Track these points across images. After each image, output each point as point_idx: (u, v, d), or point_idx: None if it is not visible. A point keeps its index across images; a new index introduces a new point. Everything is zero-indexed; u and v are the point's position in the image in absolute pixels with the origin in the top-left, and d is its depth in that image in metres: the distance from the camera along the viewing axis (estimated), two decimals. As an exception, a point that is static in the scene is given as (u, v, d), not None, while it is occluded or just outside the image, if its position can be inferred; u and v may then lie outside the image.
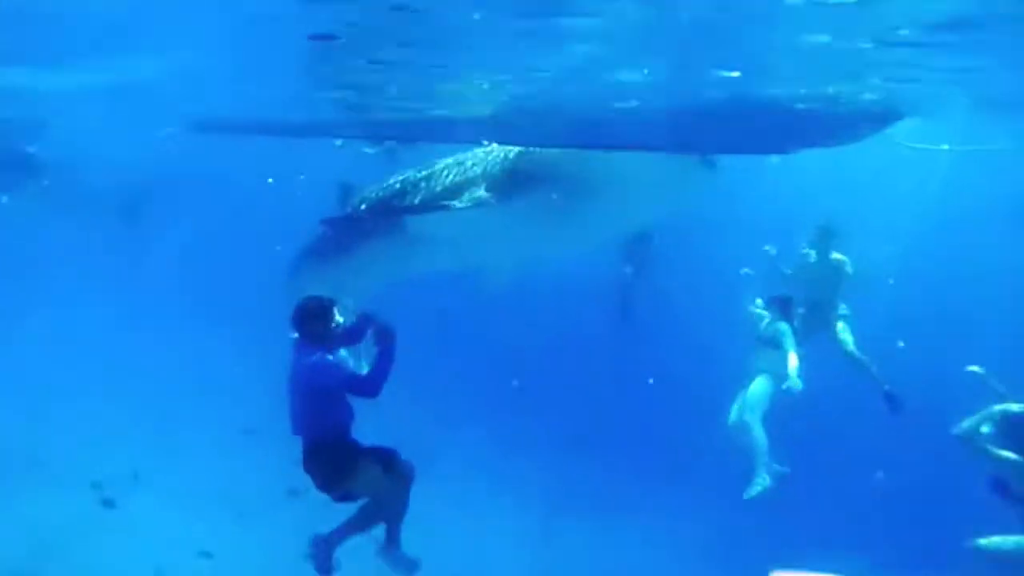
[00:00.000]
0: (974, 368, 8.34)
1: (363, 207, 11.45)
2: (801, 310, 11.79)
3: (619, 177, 9.71)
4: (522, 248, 10.78)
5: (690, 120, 10.11)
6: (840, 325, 11.87)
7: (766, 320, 11.61)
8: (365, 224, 11.13)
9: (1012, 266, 15.66)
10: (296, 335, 7.12)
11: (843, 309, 11.98)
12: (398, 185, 11.27)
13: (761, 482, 10.76)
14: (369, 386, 6.81)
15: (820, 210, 12.47)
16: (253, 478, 12.67)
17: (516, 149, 10.37)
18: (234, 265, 17.40)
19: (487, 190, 10.21)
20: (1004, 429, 7.60)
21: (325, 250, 11.73)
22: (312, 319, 7.02)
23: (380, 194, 11.40)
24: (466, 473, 13.00)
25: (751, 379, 11.47)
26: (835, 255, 11.95)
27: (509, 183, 10.13)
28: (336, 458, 7.02)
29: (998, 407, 7.80)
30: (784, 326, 11.32)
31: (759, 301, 11.85)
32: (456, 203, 10.29)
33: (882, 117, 10.74)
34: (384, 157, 14.08)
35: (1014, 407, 7.66)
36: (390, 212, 10.92)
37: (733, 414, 11.54)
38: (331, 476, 7.06)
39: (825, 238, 11.92)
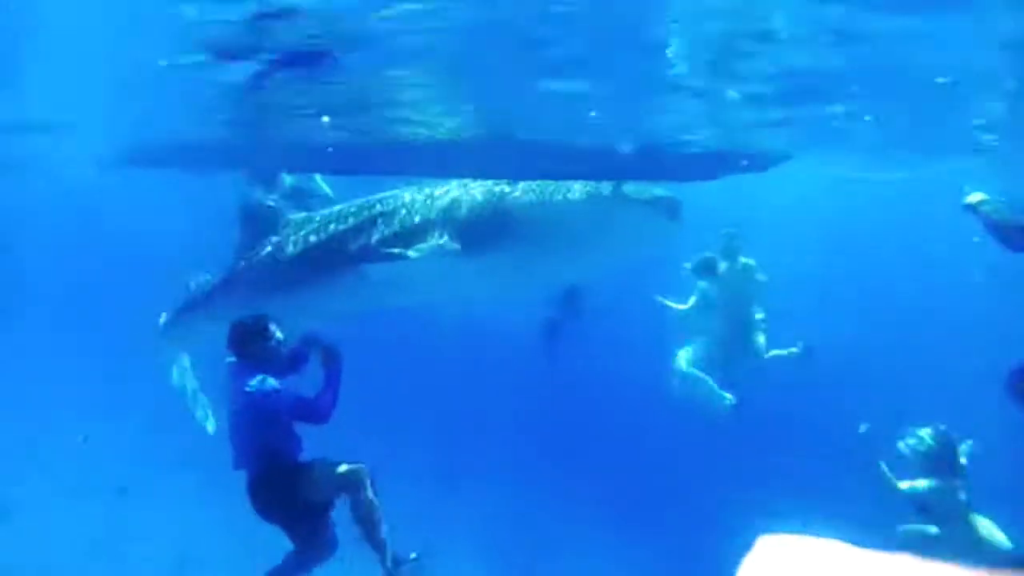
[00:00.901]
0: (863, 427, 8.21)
1: (300, 240, 10.58)
2: (720, 334, 11.87)
3: (585, 226, 9.50)
4: (479, 290, 10.35)
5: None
6: (760, 339, 11.92)
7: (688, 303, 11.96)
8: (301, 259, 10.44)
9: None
10: (233, 358, 6.63)
11: (759, 314, 11.98)
12: (340, 220, 10.39)
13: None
14: (319, 412, 6.35)
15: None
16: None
17: (481, 192, 9.82)
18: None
19: (451, 236, 9.57)
20: (925, 458, 7.70)
21: (236, 287, 10.93)
22: (249, 338, 6.52)
23: (321, 228, 10.50)
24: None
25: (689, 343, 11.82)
26: (743, 259, 12.03)
27: (474, 230, 9.57)
28: (286, 489, 6.48)
29: (906, 444, 7.83)
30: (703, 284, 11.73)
31: (687, 264, 11.83)
32: (417, 252, 9.54)
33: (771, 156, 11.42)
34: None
35: (925, 437, 7.75)
36: (342, 256, 10.05)
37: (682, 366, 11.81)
38: (284, 509, 6.53)
39: (733, 245, 11.99)
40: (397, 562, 6.53)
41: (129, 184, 15.01)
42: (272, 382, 6.38)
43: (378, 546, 6.48)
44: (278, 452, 6.49)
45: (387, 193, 10.32)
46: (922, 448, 7.60)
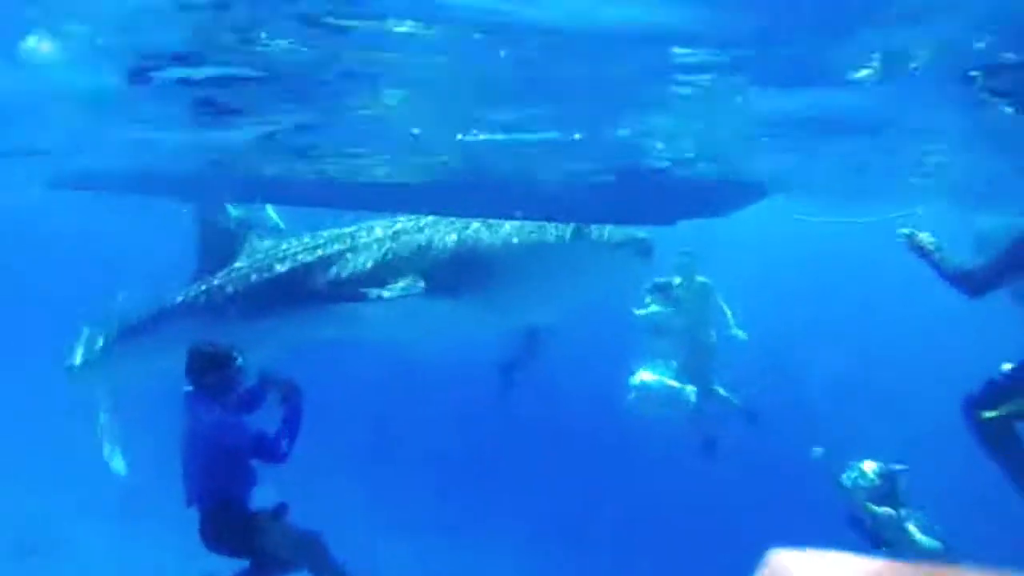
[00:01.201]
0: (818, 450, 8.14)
1: (265, 268, 10.30)
2: (679, 357, 11.85)
3: (560, 269, 9.48)
4: (446, 329, 10.24)
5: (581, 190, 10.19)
6: (715, 365, 11.97)
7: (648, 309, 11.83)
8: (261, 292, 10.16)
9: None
10: (190, 388, 6.40)
11: (713, 337, 12.02)
12: (309, 250, 10.19)
13: None
14: (278, 450, 6.17)
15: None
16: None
17: (452, 231, 9.71)
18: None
19: (420, 275, 9.47)
20: (868, 493, 7.84)
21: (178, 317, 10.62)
22: (210, 366, 6.32)
23: (288, 257, 10.28)
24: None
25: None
26: (700, 278, 12.07)
27: (445, 270, 9.48)
28: (238, 532, 6.35)
29: (848, 477, 7.84)
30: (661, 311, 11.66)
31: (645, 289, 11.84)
32: (385, 291, 9.40)
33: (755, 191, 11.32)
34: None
35: (868, 472, 7.84)
36: (309, 288, 9.90)
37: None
38: (235, 548, 6.39)
39: (689, 265, 12.02)
40: None
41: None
42: (231, 417, 6.25)
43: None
44: (231, 490, 6.33)
45: (357, 227, 10.18)
46: (864, 483, 7.70)
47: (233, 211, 11.54)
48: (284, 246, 10.43)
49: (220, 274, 10.52)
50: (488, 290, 9.44)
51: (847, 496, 7.78)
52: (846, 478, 7.84)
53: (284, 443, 6.19)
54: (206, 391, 6.32)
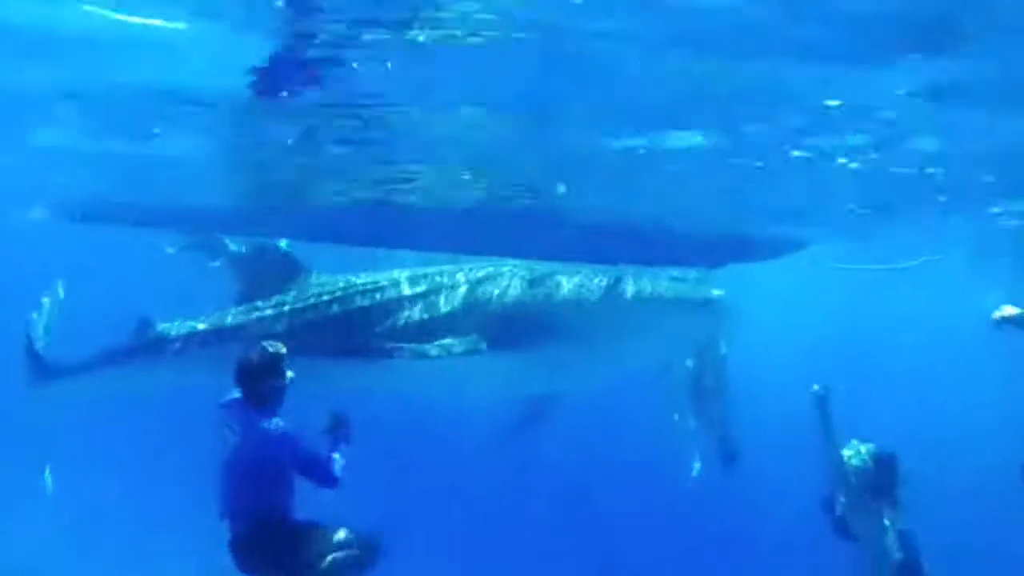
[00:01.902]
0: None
1: (321, 305, 9.49)
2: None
3: (637, 328, 8.96)
4: (508, 389, 9.73)
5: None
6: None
7: None
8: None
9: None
10: (236, 396, 6.08)
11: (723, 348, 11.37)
12: (366, 294, 9.41)
13: None
14: (330, 471, 5.91)
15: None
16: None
17: (519, 283, 9.11)
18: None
19: (481, 332, 8.79)
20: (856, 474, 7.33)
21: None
22: (262, 374, 5.96)
23: (345, 298, 9.45)
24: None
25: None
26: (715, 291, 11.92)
27: (510, 326, 8.81)
28: (275, 550, 5.91)
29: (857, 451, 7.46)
30: None
31: None
32: (442, 349, 8.68)
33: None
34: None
35: (863, 451, 7.37)
36: (362, 334, 9.07)
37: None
38: (271, 563, 5.95)
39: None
40: None
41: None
42: (285, 426, 5.91)
43: None
44: (274, 506, 5.96)
45: (416, 271, 9.63)
46: (856, 462, 7.32)
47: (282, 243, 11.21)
48: (340, 283, 9.76)
49: (268, 304, 9.80)
50: (554, 348, 8.94)
51: (830, 468, 7.43)
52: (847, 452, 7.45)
53: (336, 466, 5.96)
54: (254, 399, 6.00)
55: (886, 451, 7.31)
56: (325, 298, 9.56)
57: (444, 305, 9.08)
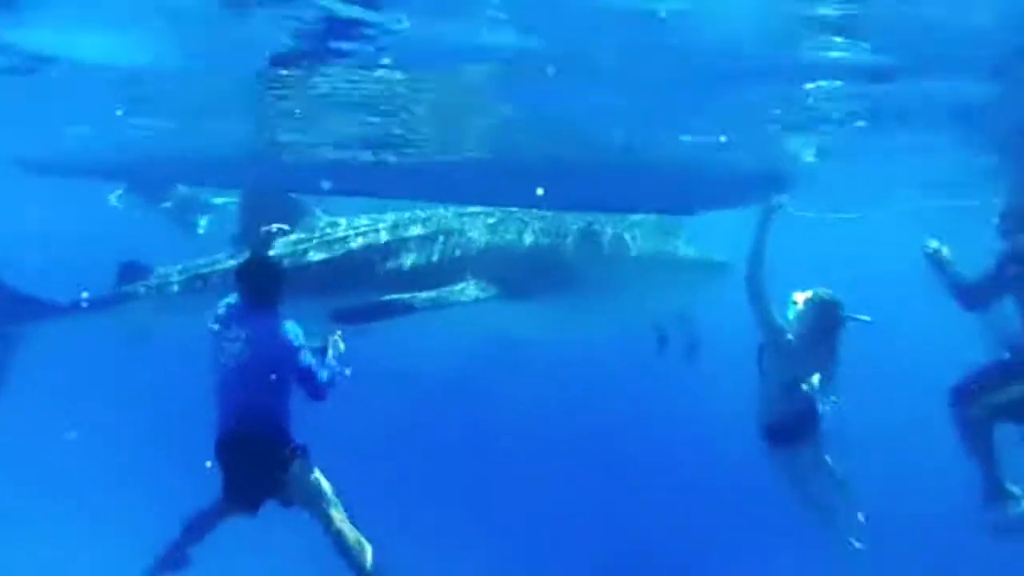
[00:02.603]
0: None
1: (324, 247, 9.48)
2: None
3: (649, 283, 9.18)
4: (512, 331, 9.82)
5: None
6: None
7: None
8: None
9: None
10: (232, 301, 6.16)
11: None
12: (371, 233, 9.42)
13: None
14: (323, 381, 6.01)
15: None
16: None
17: (536, 229, 9.17)
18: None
19: (491, 278, 8.83)
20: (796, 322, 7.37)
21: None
22: (265, 274, 6.12)
23: (350, 238, 9.47)
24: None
25: None
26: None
27: (525, 273, 8.90)
28: (274, 457, 5.97)
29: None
30: None
31: None
32: (451, 296, 8.66)
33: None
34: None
35: (797, 300, 7.40)
36: (369, 277, 9.10)
37: None
38: (264, 480, 6.04)
39: None
40: None
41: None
42: (293, 325, 6.02)
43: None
44: (278, 409, 6.04)
45: (424, 212, 9.66)
46: (791, 313, 7.34)
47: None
48: (343, 225, 9.84)
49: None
50: (572, 300, 9.11)
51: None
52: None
53: (330, 379, 6.07)
54: (256, 297, 6.05)
55: (825, 296, 7.35)
56: (344, 236, 9.64)
57: (453, 249, 9.15)
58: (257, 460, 5.99)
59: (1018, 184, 10.61)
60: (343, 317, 7.93)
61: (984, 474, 6.88)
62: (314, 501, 6.16)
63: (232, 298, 6.25)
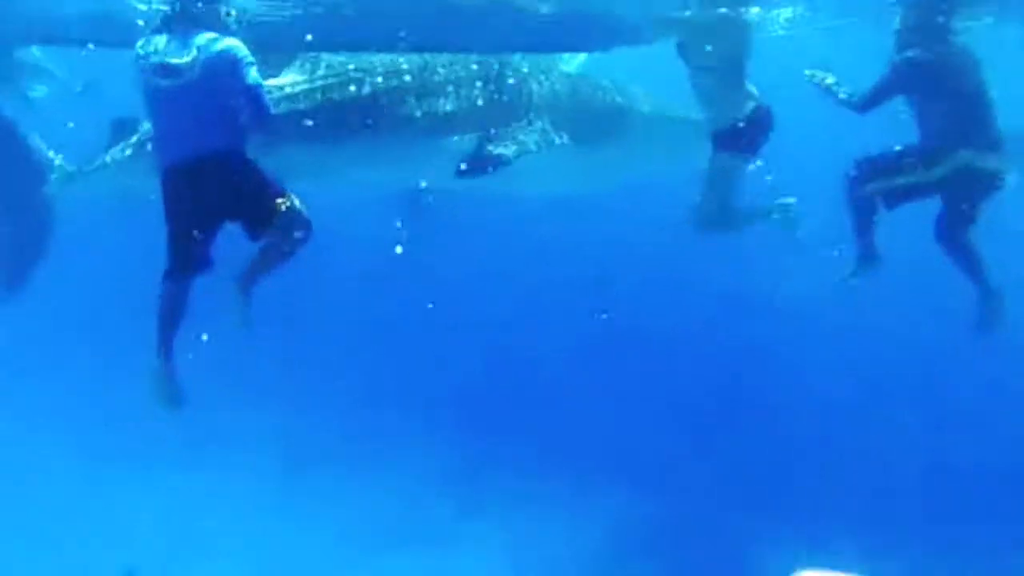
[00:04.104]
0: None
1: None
2: None
3: (652, 132, 9.01)
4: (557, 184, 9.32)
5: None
6: None
7: None
8: None
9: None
10: (168, 18, 5.58)
11: None
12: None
13: None
14: (267, 101, 5.62)
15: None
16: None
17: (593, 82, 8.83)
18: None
19: (554, 125, 8.37)
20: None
21: None
22: None
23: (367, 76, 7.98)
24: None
25: None
26: None
27: (578, 118, 8.54)
28: (244, 176, 5.58)
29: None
30: None
31: None
32: (524, 145, 8.07)
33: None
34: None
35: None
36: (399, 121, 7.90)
37: None
38: (243, 197, 5.57)
39: None
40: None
41: None
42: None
43: (248, 286, 5.81)
44: (234, 131, 5.58)
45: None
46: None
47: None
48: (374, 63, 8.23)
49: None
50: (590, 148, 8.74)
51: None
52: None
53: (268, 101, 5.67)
54: (190, 20, 5.53)
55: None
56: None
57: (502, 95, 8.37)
58: (210, 184, 5.55)
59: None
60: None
61: (858, 238, 7.99)
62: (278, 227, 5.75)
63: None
